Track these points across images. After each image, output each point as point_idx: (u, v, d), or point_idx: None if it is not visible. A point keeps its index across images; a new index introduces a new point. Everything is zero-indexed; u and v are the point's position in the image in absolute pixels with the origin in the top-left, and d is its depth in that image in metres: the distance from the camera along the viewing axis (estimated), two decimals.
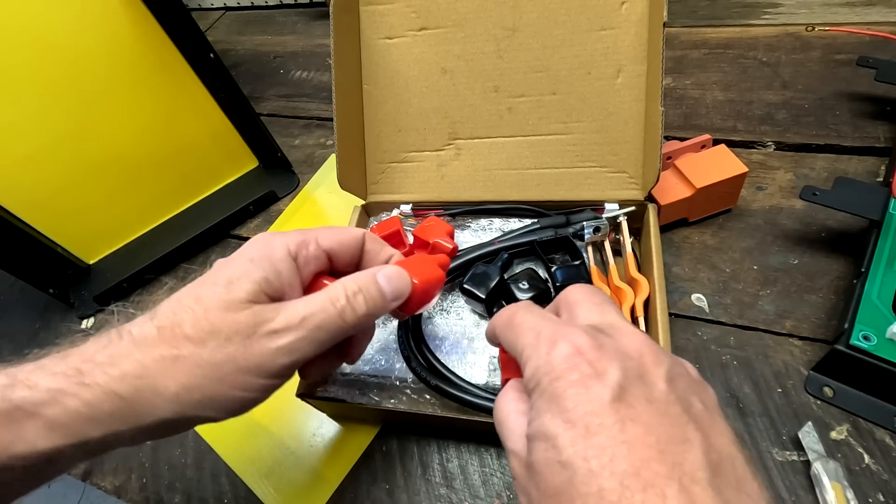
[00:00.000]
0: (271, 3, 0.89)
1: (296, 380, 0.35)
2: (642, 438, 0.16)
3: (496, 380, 0.34)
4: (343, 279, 0.26)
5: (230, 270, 0.24)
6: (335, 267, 0.28)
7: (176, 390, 0.22)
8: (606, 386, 0.17)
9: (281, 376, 0.24)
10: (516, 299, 0.34)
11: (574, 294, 0.22)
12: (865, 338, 0.31)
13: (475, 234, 0.42)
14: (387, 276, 0.27)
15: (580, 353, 0.18)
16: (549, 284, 0.36)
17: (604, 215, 0.38)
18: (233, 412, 0.23)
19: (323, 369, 0.28)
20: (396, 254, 0.30)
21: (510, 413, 0.20)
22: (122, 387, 0.21)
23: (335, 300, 0.25)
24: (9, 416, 0.20)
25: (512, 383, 0.22)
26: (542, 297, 0.35)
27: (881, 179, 0.42)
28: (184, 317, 0.22)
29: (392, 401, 0.36)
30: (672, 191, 0.41)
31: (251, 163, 0.60)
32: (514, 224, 0.41)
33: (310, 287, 0.27)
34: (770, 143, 0.48)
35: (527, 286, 0.35)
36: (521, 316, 0.21)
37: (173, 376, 0.22)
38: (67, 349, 0.22)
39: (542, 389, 0.18)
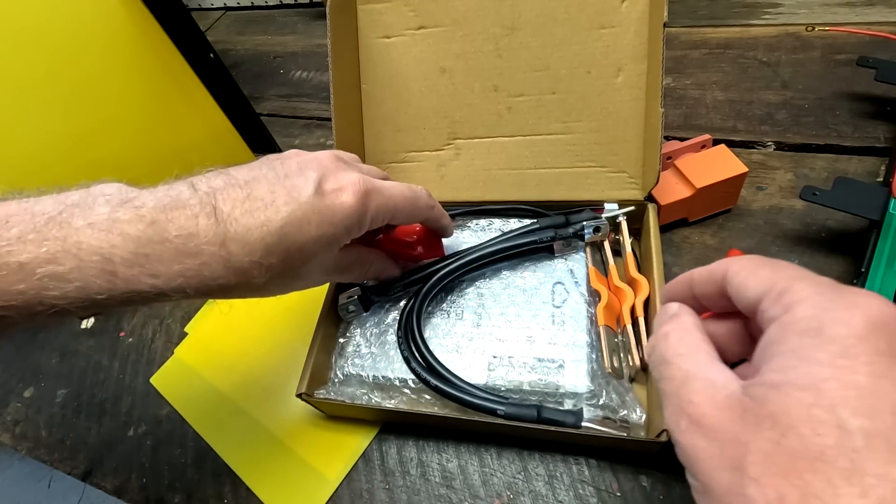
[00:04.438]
0: (271, 3, 0.89)
1: (296, 380, 0.35)
2: None
3: (496, 380, 0.34)
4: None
5: None
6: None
7: None
8: None
9: None
10: None
11: None
12: None
13: (475, 234, 0.42)
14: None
15: None
16: None
17: (603, 215, 0.38)
18: None
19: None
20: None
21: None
22: None
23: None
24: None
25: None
26: None
27: (881, 179, 0.42)
28: None
29: (392, 401, 0.36)
30: (672, 191, 0.41)
31: None
32: (514, 224, 0.41)
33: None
34: (770, 143, 0.48)
35: None
36: None
37: None
38: None
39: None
